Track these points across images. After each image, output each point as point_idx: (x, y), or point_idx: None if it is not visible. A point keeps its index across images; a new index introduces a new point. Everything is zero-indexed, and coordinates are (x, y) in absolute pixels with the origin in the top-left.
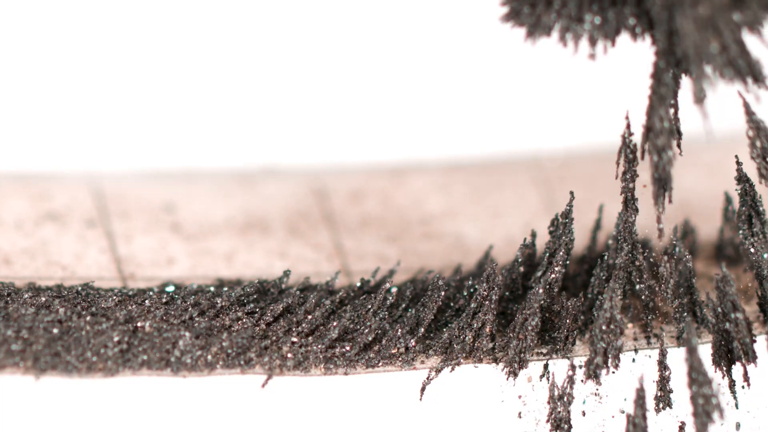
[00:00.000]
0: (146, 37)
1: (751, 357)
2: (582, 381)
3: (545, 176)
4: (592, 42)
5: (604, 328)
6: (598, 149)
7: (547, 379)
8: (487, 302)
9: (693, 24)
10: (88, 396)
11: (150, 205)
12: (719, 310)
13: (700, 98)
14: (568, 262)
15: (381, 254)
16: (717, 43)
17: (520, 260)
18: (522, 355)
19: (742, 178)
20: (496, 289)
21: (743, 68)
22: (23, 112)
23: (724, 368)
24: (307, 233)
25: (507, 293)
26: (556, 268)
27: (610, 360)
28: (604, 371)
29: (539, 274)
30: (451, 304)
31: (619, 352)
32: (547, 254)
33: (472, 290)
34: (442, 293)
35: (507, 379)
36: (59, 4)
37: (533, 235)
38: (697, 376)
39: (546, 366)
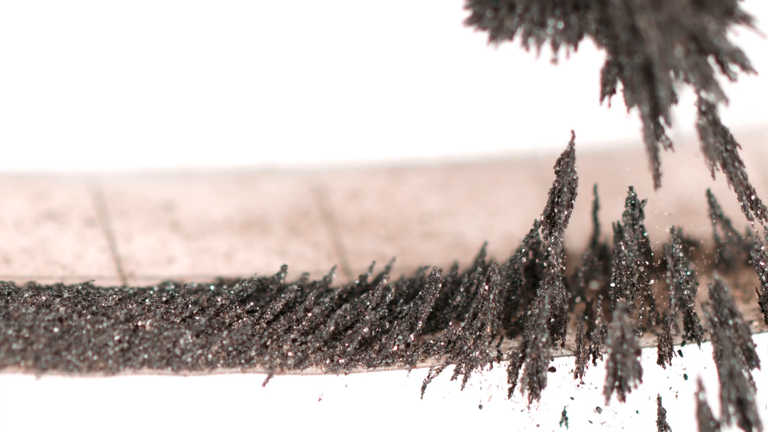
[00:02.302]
0: (145, 37)
1: (754, 361)
2: (604, 403)
3: (544, 175)
4: (555, 46)
5: (615, 347)
6: (597, 148)
7: (566, 424)
8: (485, 302)
9: (656, 28)
10: (89, 395)
11: (149, 204)
12: (715, 319)
13: (666, 102)
14: (573, 202)
15: (380, 253)
16: (681, 46)
17: (523, 251)
18: (539, 374)
19: (704, 111)
20: (495, 289)
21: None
22: (22, 112)
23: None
24: (307, 232)
25: (509, 284)
26: (558, 262)
27: (626, 382)
28: (626, 392)
29: (543, 216)
30: (450, 302)
31: (639, 374)
32: (553, 194)
33: (468, 285)
34: (440, 285)
35: (529, 403)
36: (59, 4)
37: (536, 225)
38: (705, 430)
39: (564, 413)
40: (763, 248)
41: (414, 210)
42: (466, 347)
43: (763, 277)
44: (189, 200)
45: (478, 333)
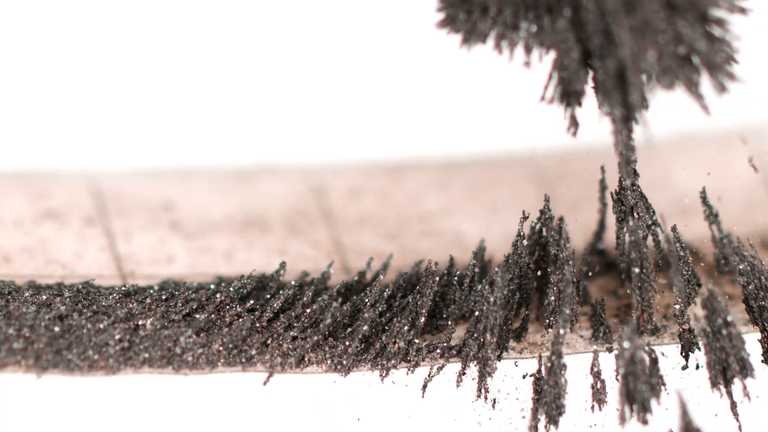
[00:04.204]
0: (144, 36)
1: (748, 371)
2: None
3: (542, 173)
4: (528, 50)
5: (627, 368)
6: (596, 146)
7: None
8: (486, 305)
9: (629, 32)
10: (89, 394)
11: (149, 203)
12: (708, 329)
13: (636, 106)
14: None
15: (380, 251)
16: (654, 51)
17: (522, 233)
18: (558, 401)
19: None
20: (498, 292)
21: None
22: (21, 110)
23: (723, 389)
24: (306, 231)
25: (518, 270)
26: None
27: (645, 404)
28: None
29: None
30: (448, 297)
31: (657, 394)
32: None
33: (462, 277)
34: (437, 278)
35: None
36: (58, 3)
37: (546, 199)
38: None
39: None
40: (745, 253)
41: (413, 208)
42: (471, 353)
43: (743, 281)
44: (188, 199)
45: (481, 340)
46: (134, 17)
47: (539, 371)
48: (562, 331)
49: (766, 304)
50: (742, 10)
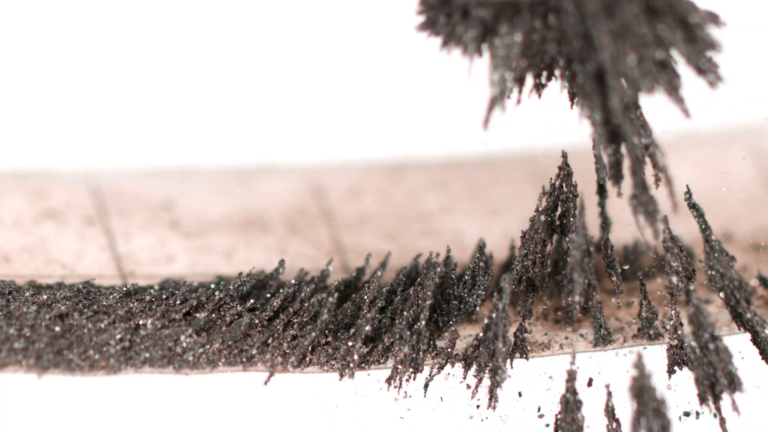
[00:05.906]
0: (144, 35)
1: (737, 385)
2: None
3: (542, 172)
4: None
5: (637, 399)
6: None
7: None
8: (495, 313)
9: (609, 36)
10: (90, 394)
11: (148, 202)
12: (694, 344)
13: (616, 110)
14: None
15: (379, 250)
16: (635, 55)
17: (540, 209)
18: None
19: None
20: (506, 299)
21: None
22: (21, 110)
23: (712, 404)
24: (306, 230)
25: (533, 246)
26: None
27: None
28: None
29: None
30: (447, 291)
31: (664, 423)
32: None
33: (461, 273)
34: (438, 269)
35: None
36: (58, 4)
37: (565, 167)
38: None
39: None
40: (712, 262)
41: (413, 208)
42: (482, 362)
43: (715, 287)
44: (188, 199)
45: (492, 348)
46: (134, 17)
47: (560, 412)
48: (575, 367)
49: (740, 310)
50: (716, 20)
